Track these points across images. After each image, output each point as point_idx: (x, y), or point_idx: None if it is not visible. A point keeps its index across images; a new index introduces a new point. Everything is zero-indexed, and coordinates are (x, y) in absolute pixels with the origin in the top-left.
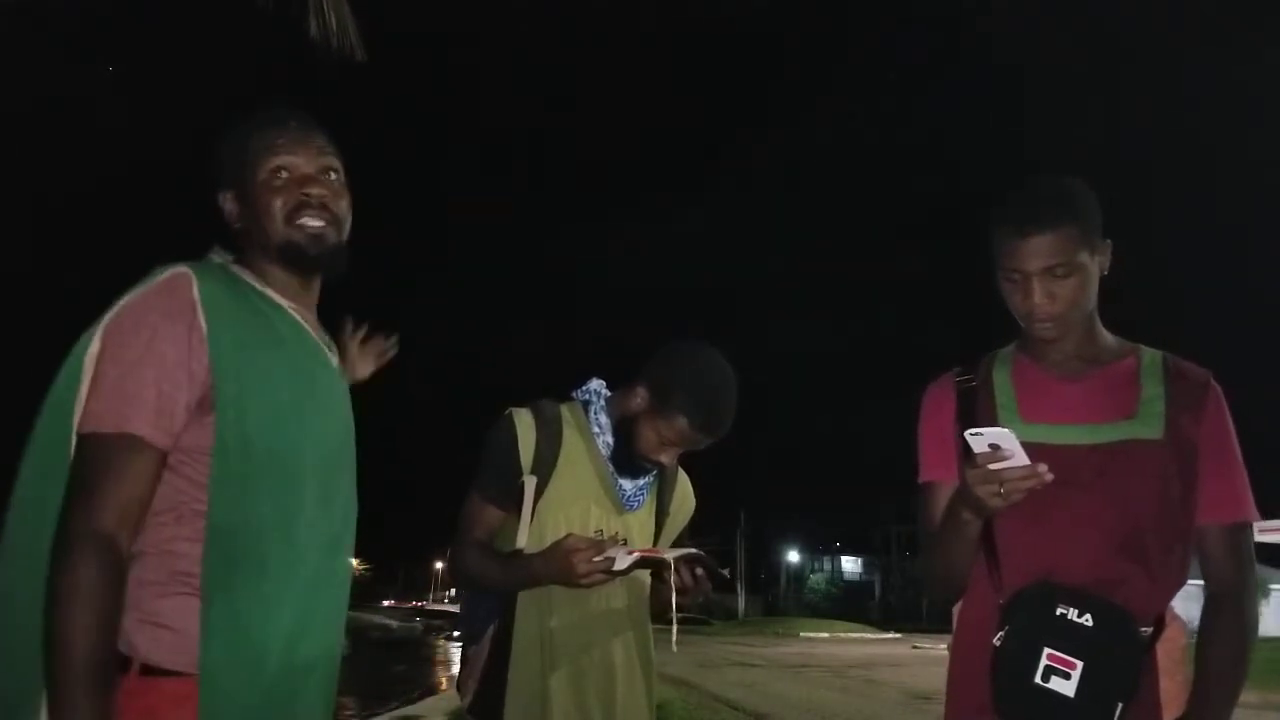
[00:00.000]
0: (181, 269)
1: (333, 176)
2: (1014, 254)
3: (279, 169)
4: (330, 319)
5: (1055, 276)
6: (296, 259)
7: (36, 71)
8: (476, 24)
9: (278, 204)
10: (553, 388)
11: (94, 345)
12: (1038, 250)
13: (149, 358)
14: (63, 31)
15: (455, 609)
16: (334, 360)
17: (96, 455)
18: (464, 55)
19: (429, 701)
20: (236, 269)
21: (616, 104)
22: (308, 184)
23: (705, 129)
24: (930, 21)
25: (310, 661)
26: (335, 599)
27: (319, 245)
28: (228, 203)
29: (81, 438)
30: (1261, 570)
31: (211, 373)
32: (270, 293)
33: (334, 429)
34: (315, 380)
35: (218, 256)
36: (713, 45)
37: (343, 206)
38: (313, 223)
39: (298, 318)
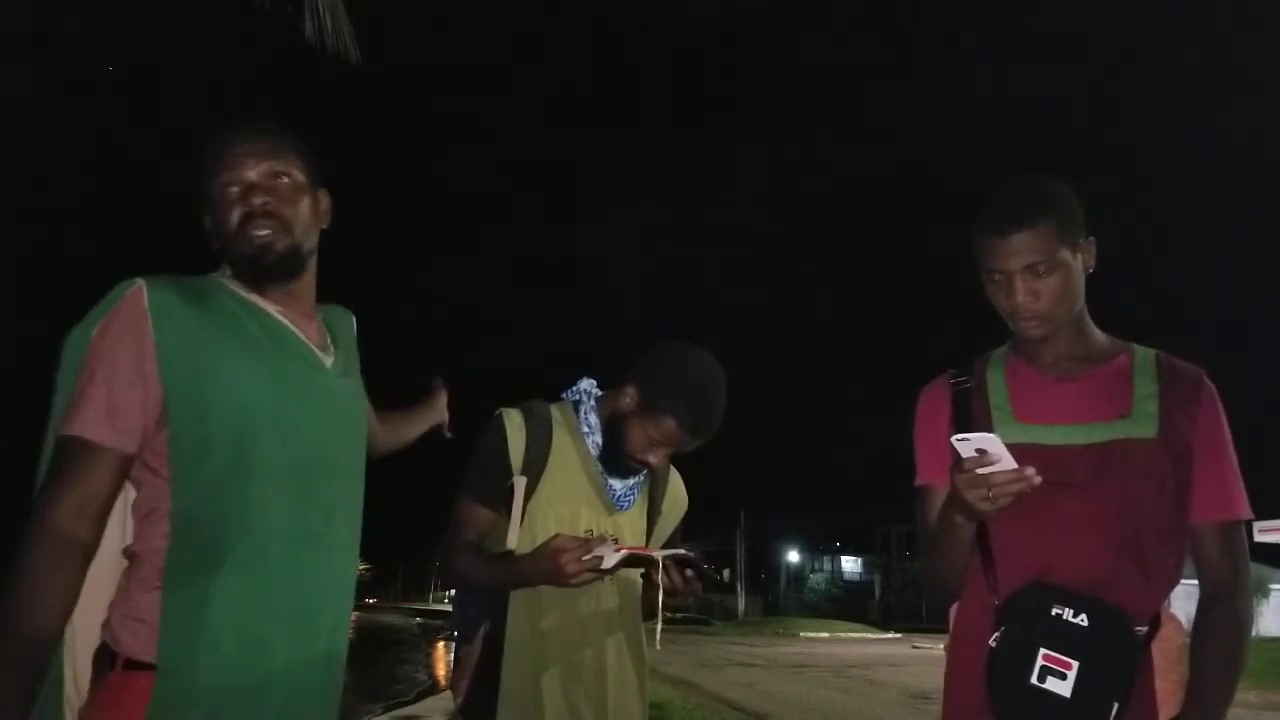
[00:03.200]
0: (136, 282)
1: (284, 180)
2: (994, 254)
3: (227, 184)
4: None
5: (1037, 274)
6: (249, 270)
7: (33, 71)
8: (474, 25)
9: (229, 219)
10: (551, 386)
11: (71, 359)
12: (1017, 249)
13: (103, 364)
14: (61, 31)
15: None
16: (329, 360)
17: (56, 458)
18: (462, 57)
19: (429, 701)
20: (225, 279)
21: (616, 103)
22: (251, 194)
23: (705, 130)
24: (930, 22)
25: (287, 661)
26: (319, 599)
27: (268, 254)
28: (208, 223)
29: (54, 443)
30: (1262, 570)
31: (162, 375)
32: (254, 299)
33: (316, 426)
34: (297, 380)
35: (221, 272)
36: (712, 45)
37: (295, 210)
38: (258, 232)
39: (284, 320)
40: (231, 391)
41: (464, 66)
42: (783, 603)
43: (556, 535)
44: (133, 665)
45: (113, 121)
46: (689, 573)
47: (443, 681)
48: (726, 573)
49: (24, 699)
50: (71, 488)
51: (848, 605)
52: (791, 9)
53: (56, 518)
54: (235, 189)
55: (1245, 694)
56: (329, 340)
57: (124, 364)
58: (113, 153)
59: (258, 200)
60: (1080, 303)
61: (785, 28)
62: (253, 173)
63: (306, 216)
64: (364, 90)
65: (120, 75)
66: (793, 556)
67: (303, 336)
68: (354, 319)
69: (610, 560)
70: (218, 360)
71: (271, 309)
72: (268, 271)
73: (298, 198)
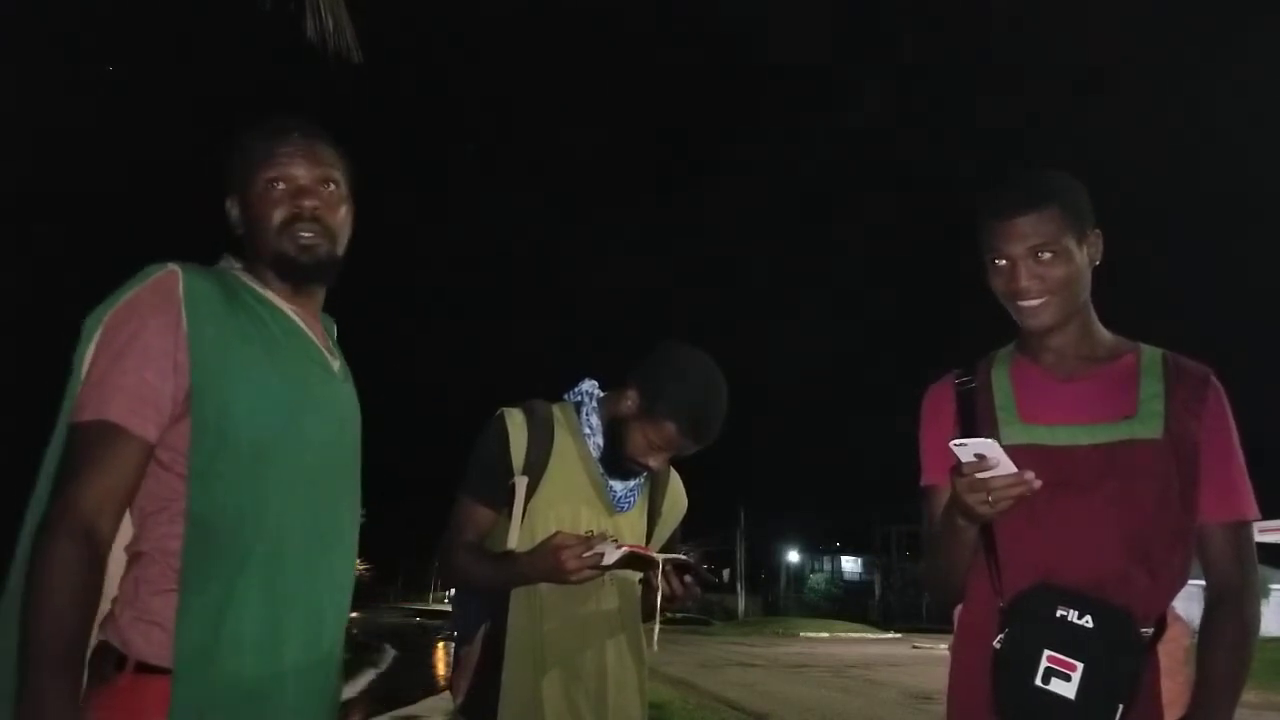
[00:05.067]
0: (170, 266)
1: (331, 188)
2: (998, 237)
3: (275, 180)
4: (336, 315)
5: (1041, 260)
6: (287, 269)
7: (36, 71)
8: (475, 25)
9: (272, 215)
10: (551, 387)
11: (91, 343)
12: (1022, 231)
13: (132, 349)
14: (63, 31)
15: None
16: (336, 364)
17: (77, 443)
18: (462, 57)
19: (429, 701)
20: (239, 273)
21: (614, 105)
22: (302, 196)
23: (704, 131)
24: (926, 23)
25: (298, 662)
26: (327, 600)
27: (309, 256)
28: (232, 209)
29: (68, 428)
30: (1261, 570)
31: (191, 367)
32: (270, 295)
33: (327, 429)
34: (309, 381)
35: (226, 264)
36: (709, 46)
37: (338, 218)
38: (305, 235)
39: (297, 321)
40: (254, 390)
41: (464, 66)
42: (783, 603)
43: (557, 532)
44: (144, 668)
45: (113, 120)
46: (687, 579)
47: (442, 681)
48: (726, 573)
49: (72, 703)
50: (97, 476)
51: (848, 605)
52: (783, 8)
53: (83, 508)
54: (283, 186)
55: (1246, 694)
56: (331, 344)
57: (157, 350)
58: (113, 151)
59: (309, 203)
60: (1085, 296)
61: (778, 27)
62: (304, 175)
63: (345, 226)
64: (365, 90)
65: (120, 75)
66: (793, 556)
67: (316, 340)
68: (335, 325)
69: (611, 557)
70: (242, 357)
71: (289, 309)
72: (305, 273)
73: (340, 206)
